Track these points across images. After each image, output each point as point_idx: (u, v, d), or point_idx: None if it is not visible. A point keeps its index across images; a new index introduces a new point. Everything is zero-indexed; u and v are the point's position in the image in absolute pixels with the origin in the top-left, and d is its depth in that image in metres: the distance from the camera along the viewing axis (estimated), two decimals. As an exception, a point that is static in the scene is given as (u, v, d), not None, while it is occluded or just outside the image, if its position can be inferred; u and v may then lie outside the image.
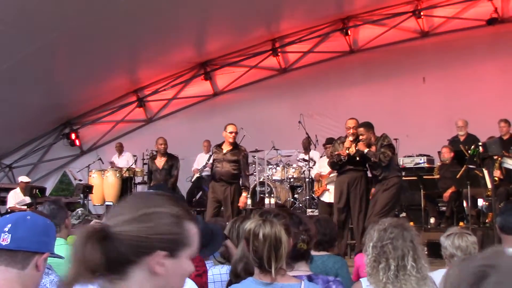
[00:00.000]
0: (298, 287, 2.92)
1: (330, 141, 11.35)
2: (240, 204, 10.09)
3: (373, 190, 9.59)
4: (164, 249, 1.66)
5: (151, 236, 1.65)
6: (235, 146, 10.28)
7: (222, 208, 10.16)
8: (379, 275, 3.29)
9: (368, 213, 9.10)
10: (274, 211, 3.12)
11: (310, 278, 3.31)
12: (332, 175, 10.99)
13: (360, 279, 3.60)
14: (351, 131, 9.38)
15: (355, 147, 9.30)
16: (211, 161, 10.98)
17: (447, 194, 10.77)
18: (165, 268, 1.67)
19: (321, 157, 12.67)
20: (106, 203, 13.67)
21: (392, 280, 3.25)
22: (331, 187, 10.91)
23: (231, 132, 10.13)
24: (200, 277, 3.69)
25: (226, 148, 10.21)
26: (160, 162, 11.58)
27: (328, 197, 11.14)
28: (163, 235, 1.67)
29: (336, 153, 9.50)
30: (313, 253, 4.79)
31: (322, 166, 11.68)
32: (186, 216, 1.74)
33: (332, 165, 9.85)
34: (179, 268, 1.71)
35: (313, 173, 12.18)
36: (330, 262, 4.89)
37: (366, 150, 9.11)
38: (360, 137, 9.24)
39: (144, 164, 14.63)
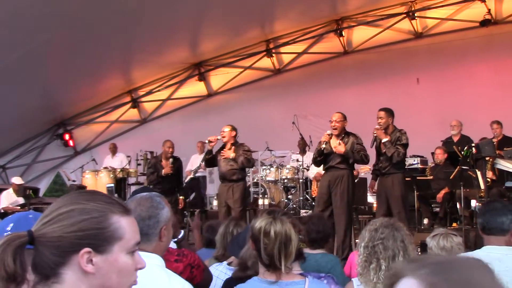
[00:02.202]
0: (303, 283, 2.93)
1: None
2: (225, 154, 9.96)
3: (372, 183, 9.54)
4: (88, 246, 1.63)
5: (68, 234, 1.62)
6: (234, 144, 10.10)
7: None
8: (370, 275, 3.32)
9: (395, 213, 8.71)
10: (280, 210, 3.15)
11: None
12: None
13: (352, 279, 3.62)
14: (333, 124, 9.06)
15: (336, 141, 9.02)
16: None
17: (440, 195, 10.78)
18: (95, 266, 1.64)
19: None
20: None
21: (383, 280, 3.27)
22: None
23: (221, 132, 10.09)
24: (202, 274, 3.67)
25: (227, 146, 10.11)
26: (166, 165, 11.17)
27: None
28: (81, 231, 1.63)
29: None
30: (307, 251, 4.85)
31: None
32: (113, 209, 1.70)
33: (314, 160, 9.62)
34: (114, 263, 1.67)
35: (311, 174, 12.18)
36: (323, 261, 4.93)
37: (384, 140, 8.85)
38: (379, 121, 8.99)
39: (138, 164, 14.61)
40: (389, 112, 9.13)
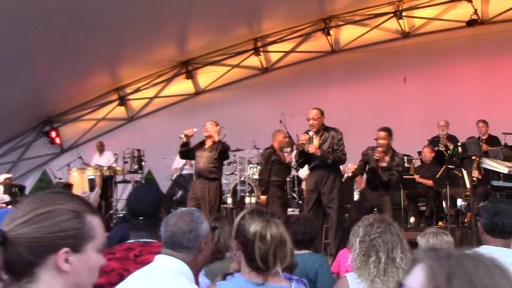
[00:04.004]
0: None
1: None
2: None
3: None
4: (67, 246, 1.66)
5: (49, 234, 1.65)
6: (215, 141, 10.01)
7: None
8: (369, 268, 3.36)
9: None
10: (267, 210, 3.12)
11: None
12: None
13: (345, 274, 3.64)
14: (311, 121, 8.88)
15: (315, 138, 8.88)
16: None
17: (422, 180, 10.94)
18: (71, 265, 1.67)
19: None
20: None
21: (381, 273, 3.33)
22: None
23: (205, 125, 10.03)
24: None
25: (208, 143, 10.06)
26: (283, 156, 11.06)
27: None
28: (62, 232, 1.66)
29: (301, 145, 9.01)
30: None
31: None
32: (86, 209, 1.74)
33: (297, 163, 9.53)
34: (87, 262, 1.71)
35: (302, 174, 12.18)
36: (310, 261, 4.94)
37: (384, 164, 8.91)
38: (380, 142, 9.00)
39: (125, 162, 14.54)
40: (390, 133, 9.16)
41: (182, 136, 10.07)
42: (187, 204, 10.04)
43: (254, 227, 2.89)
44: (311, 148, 8.70)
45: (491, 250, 3.66)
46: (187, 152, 10.23)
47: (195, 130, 10.02)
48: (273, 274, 2.90)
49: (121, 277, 3.37)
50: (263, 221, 2.91)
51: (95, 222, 1.74)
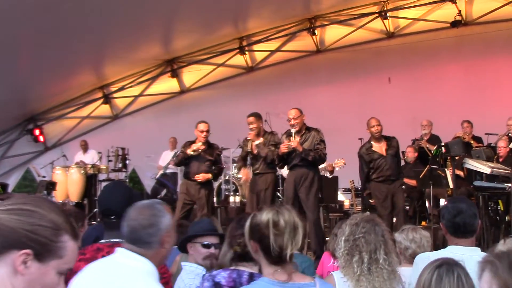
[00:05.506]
0: (314, 285, 2.85)
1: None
2: (200, 177, 9.50)
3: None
4: (32, 249, 1.66)
5: (22, 230, 1.66)
6: (209, 144, 9.81)
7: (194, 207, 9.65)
8: (353, 267, 3.37)
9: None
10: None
11: (251, 275, 3.30)
12: None
13: (332, 272, 3.66)
14: (292, 121, 8.89)
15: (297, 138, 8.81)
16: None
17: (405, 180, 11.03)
18: (28, 270, 1.66)
19: None
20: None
21: (366, 273, 3.34)
22: None
23: (202, 131, 9.69)
24: (167, 284, 3.68)
25: (202, 147, 9.71)
26: None
27: None
28: (34, 234, 1.67)
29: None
30: None
31: None
32: (68, 230, 1.75)
33: (277, 165, 9.50)
34: (43, 275, 1.70)
35: (285, 173, 12.18)
36: (298, 261, 4.87)
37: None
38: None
39: (109, 161, 14.48)
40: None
41: (193, 152, 9.60)
42: (181, 208, 9.64)
43: (265, 215, 2.81)
44: (293, 143, 8.71)
45: (459, 250, 3.70)
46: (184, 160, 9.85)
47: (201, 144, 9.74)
48: (294, 272, 2.84)
49: None
50: (272, 209, 2.84)
51: (70, 246, 1.75)
